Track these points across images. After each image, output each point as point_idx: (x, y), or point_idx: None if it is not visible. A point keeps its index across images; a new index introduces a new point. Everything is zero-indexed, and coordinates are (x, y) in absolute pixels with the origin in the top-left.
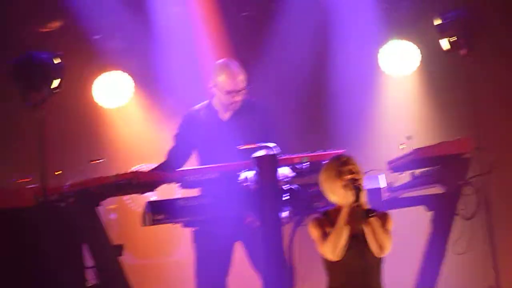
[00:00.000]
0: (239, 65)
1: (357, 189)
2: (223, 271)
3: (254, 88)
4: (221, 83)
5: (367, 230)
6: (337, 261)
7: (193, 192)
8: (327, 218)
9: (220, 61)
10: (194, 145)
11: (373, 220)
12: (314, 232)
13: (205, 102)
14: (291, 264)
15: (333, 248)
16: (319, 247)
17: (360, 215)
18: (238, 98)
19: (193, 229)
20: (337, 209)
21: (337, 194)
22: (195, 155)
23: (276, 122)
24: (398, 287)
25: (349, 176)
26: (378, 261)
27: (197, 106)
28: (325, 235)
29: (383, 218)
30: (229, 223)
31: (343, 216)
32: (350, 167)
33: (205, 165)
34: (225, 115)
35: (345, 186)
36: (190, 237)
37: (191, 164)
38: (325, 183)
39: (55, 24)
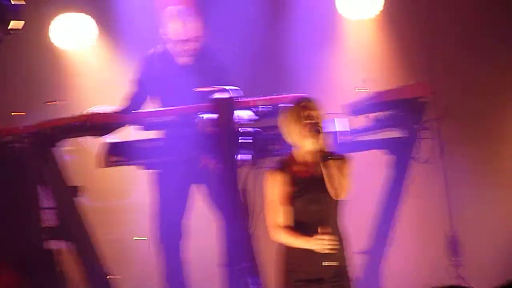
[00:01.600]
0: (191, 12)
1: (316, 132)
2: (180, 213)
3: (209, 35)
4: (171, 32)
5: (325, 173)
6: (295, 205)
7: (149, 135)
8: (282, 168)
9: (170, 8)
10: (151, 90)
11: (331, 163)
12: (266, 188)
13: (159, 46)
14: (246, 207)
15: (279, 239)
16: (265, 211)
17: (318, 158)
18: (189, 46)
19: (152, 170)
20: (292, 156)
21: (295, 137)
22: (152, 100)
23: (229, 67)
24: (357, 230)
25: (308, 121)
26: (336, 204)
27: (152, 50)
28: (272, 201)
29: (342, 160)
30: (185, 165)
31: (307, 243)
32: (310, 111)
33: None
34: (181, 60)
35: (304, 130)
36: (149, 179)
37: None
38: (284, 126)
39: None
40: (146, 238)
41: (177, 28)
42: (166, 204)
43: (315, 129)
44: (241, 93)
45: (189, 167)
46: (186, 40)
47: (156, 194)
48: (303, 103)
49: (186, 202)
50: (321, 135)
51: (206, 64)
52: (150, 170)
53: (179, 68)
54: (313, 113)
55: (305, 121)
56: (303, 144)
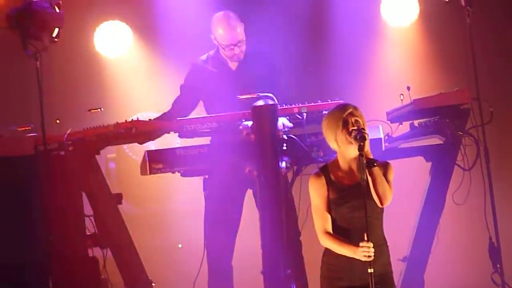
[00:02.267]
0: (236, 17)
1: (362, 139)
2: (231, 220)
3: (257, 38)
4: (219, 36)
5: (370, 180)
6: (339, 212)
7: (192, 142)
8: (325, 174)
9: (217, 14)
10: (201, 96)
11: (376, 170)
12: (311, 193)
13: (212, 52)
14: (292, 212)
15: (327, 245)
16: (313, 215)
17: (362, 165)
18: (238, 50)
19: (204, 177)
20: (336, 162)
21: (340, 143)
22: (203, 106)
23: (281, 69)
24: (399, 236)
25: (355, 127)
26: (379, 211)
27: (203, 56)
28: (319, 206)
29: (385, 168)
30: (230, 172)
31: (352, 252)
32: (356, 117)
33: (213, 114)
34: (233, 65)
35: (349, 136)
36: (191, 184)
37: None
38: (328, 132)
39: None
40: (180, 246)
41: (225, 33)
42: (218, 212)
43: (361, 135)
44: (276, 100)
45: (234, 175)
46: (235, 45)
47: (208, 200)
48: (350, 110)
49: (236, 209)
50: (366, 142)
51: (258, 66)
52: (194, 177)
53: (232, 72)
54: (359, 119)
55: (351, 127)
56: (348, 151)
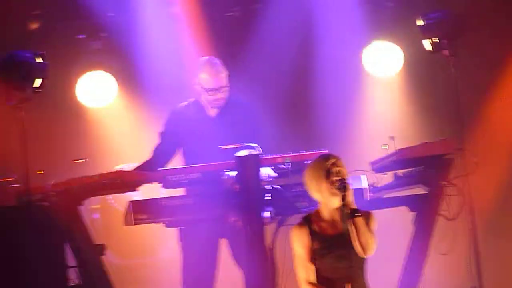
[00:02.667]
0: (221, 63)
1: (345, 189)
2: (210, 270)
3: (238, 88)
4: (203, 80)
5: (352, 230)
6: (323, 262)
7: (176, 192)
8: (308, 225)
9: (203, 58)
10: (180, 143)
11: (359, 220)
12: (293, 244)
13: (192, 99)
14: (273, 263)
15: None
16: (296, 266)
17: (345, 215)
18: (221, 95)
19: (179, 228)
20: (318, 212)
21: (323, 194)
22: (180, 153)
23: (261, 121)
24: (384, 286)
25: (338, 177)
26: (362, 261)
27: (183, 103)
28: (301, 257)
29: (367, 217)
30: (212, 222)
31: None
32: (339, 167)
33: (191, 162)
34: (212, 112)
35: (332, 187)
36: (176, 236)
37: (175, 163)
38: (311, 182)
39: (37, 24)
40: None
41: (209, 77)
42: (196, 261)
43: (343, 185)
44: (260, 150)
45: (216, 225)
46: (218, 90)
47: (185, 250)
48: (333, 160)
49: (216, 257)
50: (349, 192)
51: (237, 115)
52: (177, 228)
53: (211, 120)
54: (342, 169)
55: (334, 178)
56: (330, 201)
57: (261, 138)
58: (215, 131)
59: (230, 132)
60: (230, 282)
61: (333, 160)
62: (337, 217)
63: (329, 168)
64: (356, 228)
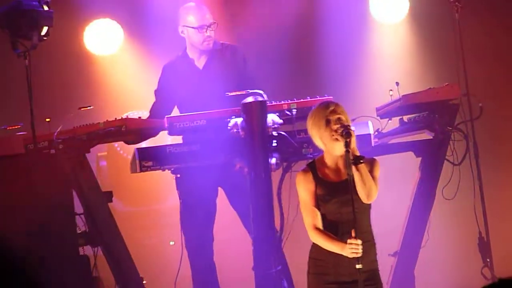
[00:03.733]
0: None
1: (348, 135)
2: (208, 217)
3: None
4: (191, 21)
5: (356, 177)
6: (327, 208)
7: (181, 139)
8: (313, 171)
9: (186, 4)
10: (175, 98)
11: (362, 167)
12: (299, 190)
13: (180, 52)
14: (281, 211)
15: (316, 241)
16: (302, 211)
17: (349, 162)
18: (209, 33)
19: (176, 176)
20: (323, 159)
21: (325, 142)
22: (179, 107)
23: (254, 68)
24: (387, 232)
25: (338, 125)
26: (366, 207)
27: (173, 58)
28: (307, 202)
29: (371, 164)
30: (216, 169)
31: (340, 249)
32: (338, 115)
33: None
34: (201, 62)
35: (334, 134)
36: (177, 183)
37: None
38: (313, 130)
39: None
40: (172, 243)
41: (197, 15)
42: (194, 209)
43: (346, 132)
44: (266, 96)
45: (223, 171)
46: (208, 26)
47: (184, 197)
48: (332, 108)
49: (211, 206)
50: (352, 138)
51: (224, 62)
52: (176, 177)
53: (200, 71)
54: (342, 116)
55: (334, 125)
56: (334, 148)
57: (253, 86)
58: (205, 82)
59: (219, 81)
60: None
61: (332, 107)
62: (340, 163)
63: (328, 116)
64: (359, 174)
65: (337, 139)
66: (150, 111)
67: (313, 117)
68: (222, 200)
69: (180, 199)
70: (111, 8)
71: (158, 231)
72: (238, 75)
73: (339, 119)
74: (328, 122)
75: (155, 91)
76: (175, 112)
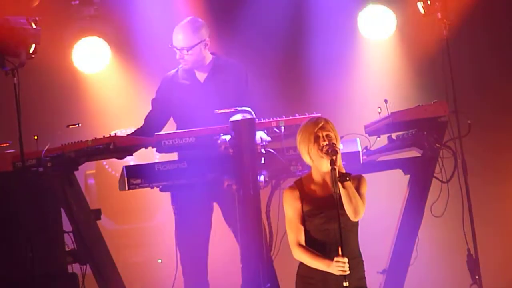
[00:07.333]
0: (197, 25)
1: (334, 153)
2: (203, 233)
3: (232, 52)
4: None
5: (342, 194)
6: (313, 223)
7: (170, 157)
8: (299, 188)
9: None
10: (172, 109)
11: (348, 184)
12: (285, 207)
13: (181, 65)
14: (269, 228)
15: (299, 258)
16: (287, 228)
17: (335, 179)
18: (179, 56)
19: (173, 192)
20: (310, 175)
21: (312, 158)
22: (173, 119)
23: (253, 84)
24: (375, 249)
25: (326, 142)
26: (353, 224)
27: (174, 70)
28: (293, 219)
29: (358, 181)
30: (206, 186)
31: (326, 266)
32: (327, 131)
33: (183, 128)
34: (202, 76)
35: (321, 151)
36: (170, 199)
37: (169, 128)
38: (301, 146)
39: None
40: (160, 261)
41: (173, 36)
42: (189, 225)
43: (332, 149)
44: (254, 114)
45: (211, 189)
46: (178, 49)
47: (179, 214)
48: (321, 124)
49: (210, 221)
50: (338, 156)
51: (225, 78)
52: (172, 192)
53: (200, 85)
54: (330, 133)
55: (322, 142)
56: (321, 165)
57: (252, 102)
58: (205, 96)
59: (218, 96)
60: (225, 246)
61: (321, 124)
62: (328, 180)
63: (317, 132)
64: (345, 191)
65: (323, 157)
66: (145, 119)
67: (302, 132)
68: (216, 214)
69: (174, 214)
70: (98, 26)
71: (146, 249)
72: (238, 91)
73: (327, 135)
74: (316, 138)
75: (152, 100)
76: (171, 123)
